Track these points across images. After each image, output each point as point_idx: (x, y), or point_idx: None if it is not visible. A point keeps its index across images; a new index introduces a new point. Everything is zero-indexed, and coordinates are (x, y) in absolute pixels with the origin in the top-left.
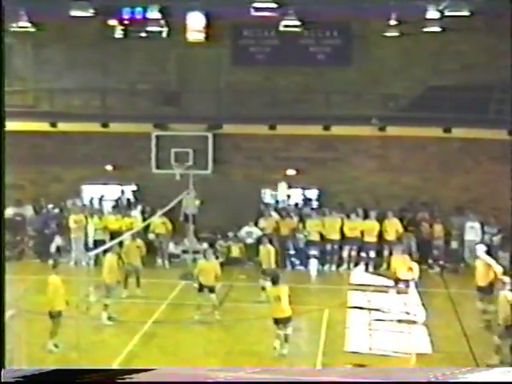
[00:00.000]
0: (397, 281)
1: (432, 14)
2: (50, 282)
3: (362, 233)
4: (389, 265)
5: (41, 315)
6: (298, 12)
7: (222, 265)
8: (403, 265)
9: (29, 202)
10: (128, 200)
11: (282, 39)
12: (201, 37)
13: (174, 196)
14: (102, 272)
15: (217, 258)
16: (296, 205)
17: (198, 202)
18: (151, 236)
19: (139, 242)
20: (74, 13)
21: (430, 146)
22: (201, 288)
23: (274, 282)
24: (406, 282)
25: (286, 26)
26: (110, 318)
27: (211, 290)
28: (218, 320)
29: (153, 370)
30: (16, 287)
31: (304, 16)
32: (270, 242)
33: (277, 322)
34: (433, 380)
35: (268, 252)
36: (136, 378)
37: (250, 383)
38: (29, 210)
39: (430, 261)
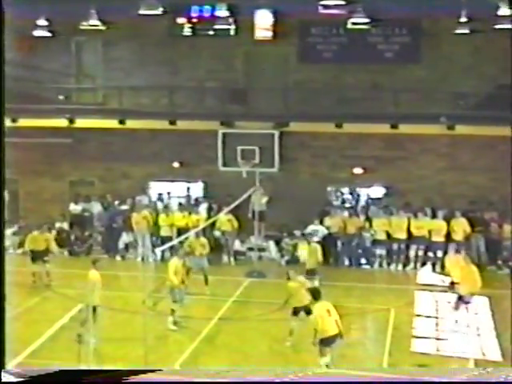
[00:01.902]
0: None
1: (504, 10)
2: (89, 278)
3: (430, 232)
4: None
5: (109, 310)
6: (366, 9)
7: (287, 263)
8: (456, 266)
9: (98, 199)
10: (196, 197)
11: (349, 37)
12: (268, 35)
13: (240, 193)
14: (167, 274)
15: (282, 256)
16: (357, 202)
17: (265, 200)
18: (217, 233)
19: (203, 240)
20: (143, 11)
21: (500, 145)
22: (295, 312)
23: (317, 297)
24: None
25: (354, 24)
26: (175, 323)
27: (308, 311)
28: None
29: (159, 370)
30: (85, 282)
31: (372, 13)
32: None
33: (327, 342)
34: (501, 380)
35: (315, 250)
36: (142, 378)
37: (257, 383)
38: (96, 206)
39: (499, 262)
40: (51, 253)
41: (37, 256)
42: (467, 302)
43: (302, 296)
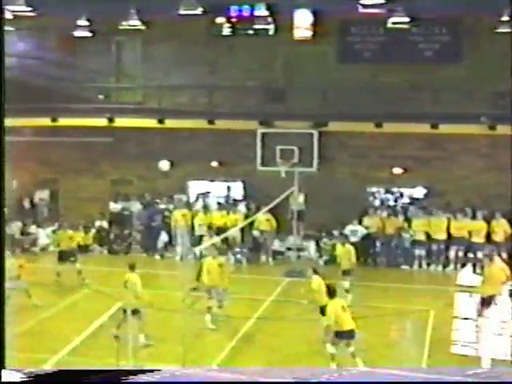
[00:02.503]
0: None
1: None
2: (129, 281)
3: (470, 233)
4: None
5: (148, 309)
6: (406, 8)
7: (325, 263)
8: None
9: (137, 197)
10: (234, 197)
11: (389, 36)
12: (308, 34)
13: (278, 193)
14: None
15: (321, 256)
16: (397, 202)
17: (302, 199)
18: (256, 233)
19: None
20: (182, 11)
21: None
22: (322, 311)
23: (333, 294)
24: None
25: (394, 23)
26: (213, 322)
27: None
28: None
29: (158, 370)
30: (148, 282)
31: (412, 12)
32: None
33: (342, 335)
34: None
35: (348, 252)
36: (141, 378)
37: (253, 383)
38: (135, 205)
39: None
40: (90, 251)
41: (64, 255)
42: (488, 304)
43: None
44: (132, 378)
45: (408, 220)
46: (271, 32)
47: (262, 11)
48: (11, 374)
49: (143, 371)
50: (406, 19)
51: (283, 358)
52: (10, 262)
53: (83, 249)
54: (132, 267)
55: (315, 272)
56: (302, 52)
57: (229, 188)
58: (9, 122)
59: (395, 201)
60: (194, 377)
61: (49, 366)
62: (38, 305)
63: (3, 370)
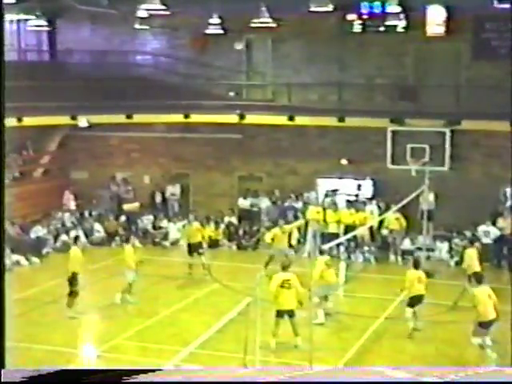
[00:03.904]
0: None
1: None
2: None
3: None
4: None
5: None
6: None
7: (456, 264)
8: None
9: (265, 194)
10: (364, 195)
11: None
12: (441, 30)
13: (408, 192)
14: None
15: (451, 256)
16: None
17: (432, 198)
18: (385, 232)
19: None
20: (313, 8)
21: None
22: (412, 303)
23: (479, 281)
24: None
25: None
26: (326, 315)
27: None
28: None
29: (159, 370)
30: (251, 276)
31: None
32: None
33: (484, 325)
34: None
35: (470, 256)
36: (142, 378)
37: (251, 383)
38: (264, 202)
39: None
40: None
41: (192, 248)
42: None
43: (417, 287)
44: (132, 378)
45: None
46: (402, 28)
47: (393, 7)
48: (11, 374)
49: (143, 371)
50: None
51: (410, 359)
52: (129, 251)
53: (213, 244)
54: (285, 267)
55: (415, 266)
56: (435, 49)
57: (359, 186)
58: (142, 118)
59: None
60: (195, 376)
61: (48, 366)
62: (131, 302)
63: (3, 370)
